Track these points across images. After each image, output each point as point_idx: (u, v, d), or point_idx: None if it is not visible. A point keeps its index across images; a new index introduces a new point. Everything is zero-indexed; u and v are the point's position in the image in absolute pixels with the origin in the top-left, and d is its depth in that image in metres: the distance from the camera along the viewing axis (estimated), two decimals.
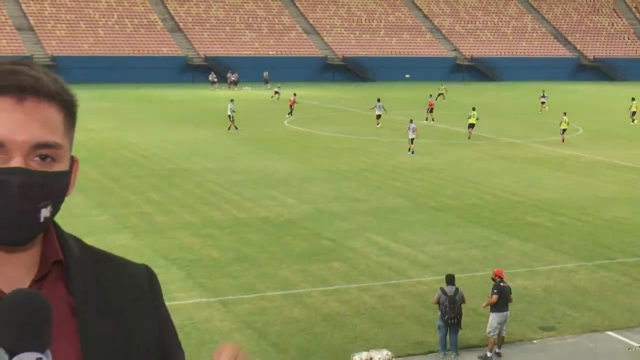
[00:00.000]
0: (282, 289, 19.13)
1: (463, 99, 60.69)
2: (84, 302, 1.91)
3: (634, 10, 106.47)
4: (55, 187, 1.81)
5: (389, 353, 15.65)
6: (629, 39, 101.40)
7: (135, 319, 1.99)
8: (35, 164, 1.77)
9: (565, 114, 44.36)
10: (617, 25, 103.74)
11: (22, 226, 1.78)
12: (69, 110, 1.85)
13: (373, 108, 49.96)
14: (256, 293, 18.83)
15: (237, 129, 45.94)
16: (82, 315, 1.89)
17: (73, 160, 1.89)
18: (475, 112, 45.63)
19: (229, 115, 46.37)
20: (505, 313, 15.78)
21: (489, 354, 15.63)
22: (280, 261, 21.26)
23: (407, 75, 72.36)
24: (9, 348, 1.64)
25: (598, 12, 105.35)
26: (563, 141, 43.14)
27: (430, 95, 54.62)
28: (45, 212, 1.80)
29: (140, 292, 2.04)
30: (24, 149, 1.75)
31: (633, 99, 54.77)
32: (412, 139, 38.46)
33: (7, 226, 1.76)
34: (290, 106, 54.50)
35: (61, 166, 1.82)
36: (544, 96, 60.67)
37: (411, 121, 39.52)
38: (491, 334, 15.69)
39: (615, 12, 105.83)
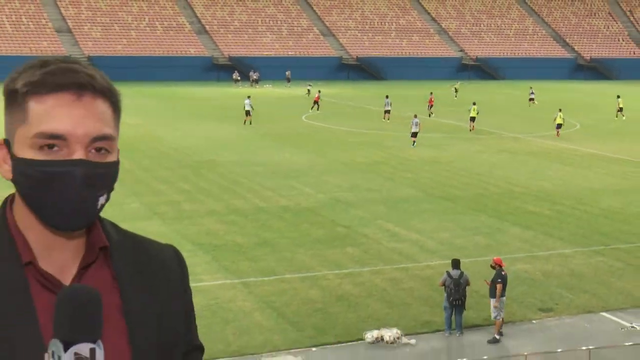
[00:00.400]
0: (300, 272, 19.18)
1: (468, 97, 60.31)
2: (126, 284, 1.92)
3: (628, 14, 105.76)
4: (111, 177, 1.84)
5: (399, 331, 15.69)
6: (623, 41, 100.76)
7: (168, 299, 2.00)
8: (92, 156, 1.77)
9: (560, 110, 44.40)
10: (613, 28, 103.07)
11: (82, 214, 1.80)
12: (116, 105, 1.87)
13: (388, 109, 49.96)
14: (276, 275, 18.89)
15: (250, 123, 45.88)
16: (126, 296, 1.91)
17: (117, 151, 1.90)
18: (475, 107, 46.09)
19: (247, 111, 46.43)
20: (503, 298, 15.77)
21: (497, 337, 15.64)
22: (298, 246, 21.30)
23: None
24: (64, 339, 1.64)
25: (595, 15, 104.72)
26: (558, 135, 43.15)
27: (431, 93, 54.44)
28: (102, 200, 1.83)
29: (171, 274, 2.06)
30: (84, 142, 1.76)
31: (618, 97, 54.74)
32: (416, 133, 38.66)
33: (69, 214, 1.78)
34: (315, 102, 54.93)
35: (113, 157, 1.84)
36: (532, 92, 61.41)
37: (415, 116, 39.83)
38: (498, 317, 15.67)
39: (611, 16, 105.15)
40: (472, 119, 45.78)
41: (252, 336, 15.26)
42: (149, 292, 1.95)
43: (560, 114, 43.98)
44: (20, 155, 1.77)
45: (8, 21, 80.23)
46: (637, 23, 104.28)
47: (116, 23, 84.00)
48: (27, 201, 1.81)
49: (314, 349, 15.12)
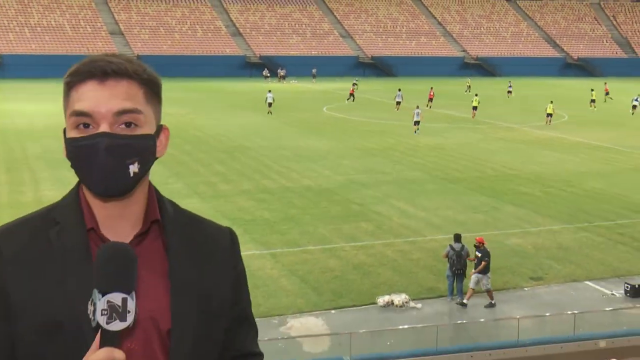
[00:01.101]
0: (320, 244, 19.20)
1: (472, 90, 60.21)
2: (175, 254, 1.94)
3: (611, 18, 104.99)
4: (139, 147, 1.85)
5: (407, 296, 15.70)
6: (607, 42, 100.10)
7: (216, 272, 2.00)
8: (121, 130, 1.83)
9: (552, 102, 44.88)
10: (598, 31, 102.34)
11: (114, 180, 1.83)
12: (148, 86, 1.90)
13: (399, 101, 49.81)
14: (299, 247, 18.93)
15: (270, 114, 45.93)
16: (173, 264, 1.93)
17: (162, 128, 1.95)
18: (477, 97, 47.38)
19: (270, 103, 46.54)
20: (489, 273, 15.65)
21: (466, 302, 15.57)
22: (319, 221, 21.32)
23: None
24: (101, 289, 1.67)
25: (582, 20, 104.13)
26: (548, 123, 43.40)
27: (431, 88, 54.33)
28: (133, 168, 1.84)
29: (221, 251, 2.06)
30: (108, 117, 1.81)
31: (592, 90, 55.12)
32: (418, 121, 38.90)
33: (102, 180, 1.82)
34: (351, 94, 55.49)
35: (145, 130, 1.87)
36: (510, 86, 62.82)
37: (417, 107, 40.19)
38: (489, 287, 15.64)
39: (596, 20, 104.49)
40: (474, 107, 46.66)
41: (279, 299, 15.33)
42: (196, 265, 1.96)
43: (551, 105, 44.46)
44: (68, 135, 1.86)
45: (68, 25, 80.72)
46: (620, 27, 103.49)
47: (162, 26, 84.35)
48: (76, 174, 1.89)
49: (332, 311, 15.15)
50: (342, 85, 69.16)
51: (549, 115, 43.99)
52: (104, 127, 1.81)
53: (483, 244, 15.93)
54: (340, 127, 40.95)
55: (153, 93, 1.91)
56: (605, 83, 64.92)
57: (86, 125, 1.82)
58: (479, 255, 15.65)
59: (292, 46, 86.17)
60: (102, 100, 1.81)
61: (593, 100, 53.43)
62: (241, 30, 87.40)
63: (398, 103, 49.48)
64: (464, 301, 15.58)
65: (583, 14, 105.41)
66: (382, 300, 15.51)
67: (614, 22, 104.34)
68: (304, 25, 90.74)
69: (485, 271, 15.56)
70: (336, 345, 13.33)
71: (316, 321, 14.72)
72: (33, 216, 1.96)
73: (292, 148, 33.50)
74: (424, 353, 11.88)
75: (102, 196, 1.87)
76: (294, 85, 70.36)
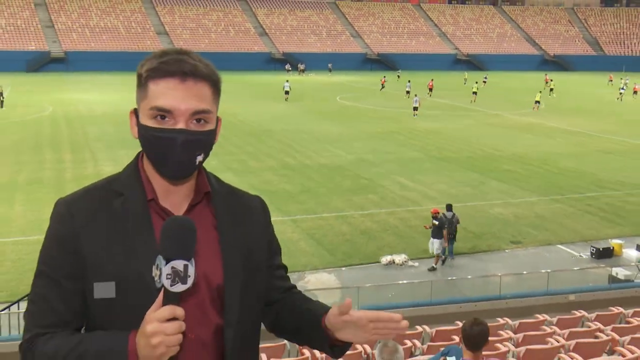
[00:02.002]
0: (334, 212, 19.21)
1: (462, 84, 59.76)
2: (222, 219, 1.95)
3: (583, 21, 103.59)
4: (206, 141, 1.88)
5: (406, 256, 15.73)
6: (579, 42, 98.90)
7: (254, 232, 2.03)
8: (193, 125, 1.83)
9: (540, 92, 46.35)
10: (571, 32, 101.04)
11: (182, 168, 1.85)
12: (216, 86, 1.90)
13: (408, 91, 49.58)
14: (316, 214, 18.96)
15: (287, 100, 46.25)
16: (221, 227, 1.94)
17: (218, 120, 1.95)
18: (477, 84, 49.75)
19: (287, 91, 47.03)
20: (442, 240, 15.38)
21: (435, 266, 15.39)
22: (333, 193, 21.32)
23: (398, 74, 70.97)
24: (165, 256, 1.67)
25: (558, 22, 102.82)
26: (535, 109, 43.63)
27: (432, 79, 54.30)
28: (199, 158, 1.87)
29: (257, 216, 2.08)
30: (185, 115, 1.80)
31: (551, 80, 57.02)
32: (416, 107, 39.55)
33: (172, 168, 1.84)
34: (382, 84, 55.49)
35: (210, 126, 1.88)
36: (485, 77, 63.63)
37: (416, 95, 40.95)
38: (440, 252, 15.42)
39: (570, 23, 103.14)
40: (474, 93, 48.25)
41: (298, 259, 15.37)
42: (239, 227, 1.98)
43: (539, 94, 45.47)
44: (143, 122, 1.84)
45: (122, 26, 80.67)
46: (590, 29, 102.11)
47: (200, 27, 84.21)
48: (147, 155, 1.89)
49: (343, 268, 15.20)
50: (353, 78, 68.86)
51: (537, 102, 44.36)
52: (181, 124, 1.80)
53: (438, 213, 15.65)
54: (351, 114, 40.74)
55: (217, 91, 1.92)
56: (546, 74, 66.11)
57: (163, 117, 1.80)
58: (436, 223, 15.32)
59: (310, 44, 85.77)
60: (181, 99, 1.79)
61: (552, 89, 54.87)
62: (267, 30, 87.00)
63: (407, 92, 49.20)
64: (434, 266, 15.33)
65: (559, 17, 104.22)
66: (385, 259, 15.55)
67: (585, 25, 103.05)
68: (320, 27, 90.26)
69: (440, 236, 15.26)
70: (346, 297, 13.38)
71: (329, 277, 14.78)
72: (95, 186, 1.94)
73: (310, 132, 33.43)
74: (420, 304, 11.91)
75: (170, 180, 1.88)
76: (312, 78, 70.06)
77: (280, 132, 33.05)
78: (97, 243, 1.83)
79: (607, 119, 40.37)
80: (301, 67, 75.34)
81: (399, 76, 68.20)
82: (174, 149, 1.79)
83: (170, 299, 1.67)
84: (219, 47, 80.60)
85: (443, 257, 15.72)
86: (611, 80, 67.32)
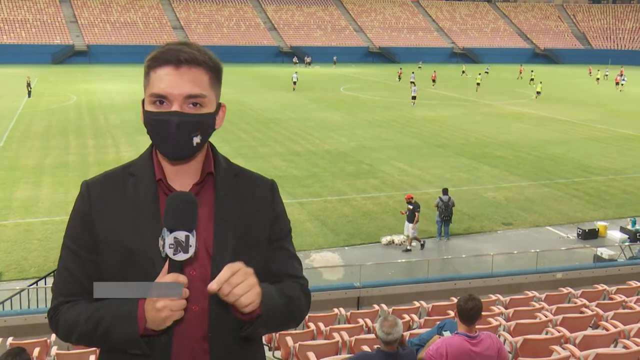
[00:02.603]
0: (337, 195, 19.19)
1: (458, 76, 59.39)
2: (220, 197, 1.94)
3: (572, 17, 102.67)
4: (202, 123, 1.85)
5: (405, 236, 15.68)
6: (567, 36, 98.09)
7: (254, 212, 1.99)
8: (189, 109, 1.82)
9: (541, 82, 47.33)
10: (560, 27, 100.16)
11: (181, 148, 1.84)
12: (213, 72, 1.89)
13: (412, 81, 49.33)
14: (321, 197, 18.93)
15: (294, 90, 46.33)
16: (218, 206, 1.93)
17: (220, 105, 1.94)
18: (480, 76, 50.90)
19: (294, 82, 47.36)
20: (417, 223, 15.17)
21: (409, 247, 15.16)
22: (336, 177, 21.28)
23: (420, 66, 70.72)
24: (168, 227, 1.71)
25: (548, 18, 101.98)
26: (536, 98, 44.41)
27: (434, 71, 54.37)
28: (196, 139, 1.85)
29: (261, 197, 2.03)
30: (179, 99, 1.81)
31: (532, 71, 58.72)
32: (414, 96, 40.06)
33: (171, 148, 1.84)
34: (399, 76, 54.63)
35: (207, 109, 1.86)
36: (487, 69, 63.97)
37: (414, 84, 41.83)
38: (412, 235, 15.18)
39: (560, 18, 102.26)
40: (478, 84, 49.29)
41: (304, 238, 15.37)
42: (237, 206, 1.95)
43: (540, 84, 46.25)
44: (146, 108, 1.87)
45: (140, 21, 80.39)
46: (578, 24, 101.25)
47: (213, 22, 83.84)
48: (151, 138, 1.90)
49: (346, 247, 15.20)
50: (356, 70, 68.53)
51: (538, 92, 45.09)
52: (175, 107, 1.81)
53: (412, 198, 15.43)
54: (353, 104, 40.58)
55: (216, 78, 1.91)
56: (521, 65, 67.36)
57: (161, 102, 1.83)
58: (411, 207, 15.07)
59: (316, 38, 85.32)
60: (175, 84, 1.81)
61: (532, 79, 56.01)
62: (276, 25, 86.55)
63: (412, 82, 48.76)
64: (408, 247, 15.08)
65: (549, 13, 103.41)
66: (385, 239, 15.53)
67: (574, 20, 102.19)
68: (325, 22, 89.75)
69: (414, 220, 15.03)
70: (349, 274, 13.41)
71: (333, 255, 14.79)
72: (115, 170, 2.00)
73: (315, 120, 33.32)
74: (418, 281, 11.91)
75: (170, 160, 1.90)
76: (317, 70, 69.77)
77: (288, 120, 32.95)
78: (108, 220, 1.88)
79: (593, 109, 40.11)
80: (307, 59, 75.04)
81: (419, 67, 68.27)
82: (170, 130, 1.81)
83: (174, 267, 1.72)
84: (231, 41, 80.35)
85: (422, 241, 15.42)
86: (590, 72, 67.65)
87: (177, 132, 1.81)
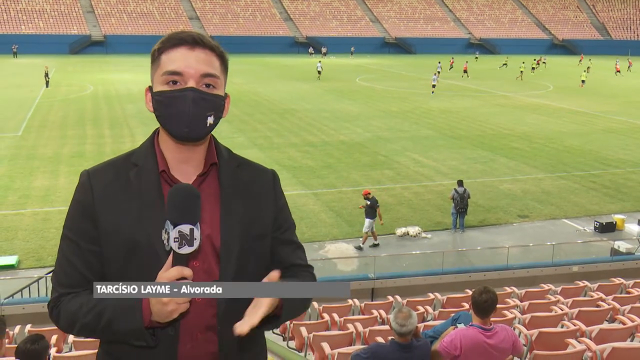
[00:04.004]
0: (352, 186, 19.15)
1: (474, 67, 58.91)
2: (226, 190, 1.92)
3: (591, 7, 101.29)
4: (215, 103, 1.85)
5: (419, 228, 15.66)
6: (586, 27, 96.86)
7: (258, 203, 1.98)
8: (202, 89, 1.82)
9: (585, 71, 48.88)
10: (579, 18, 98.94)
11: (196, 126, 1.82)
12: (222, 59, 1.90)
13: (439, 71, 48.87)
14: (336, 188, 18.92)
15: (319, 79, 47.07)
16: (224, 198, 1.92)
17: (227, 96, 1.93)
18: (523, 64, 51.89)
19: (319, 71, 48.27)
20: (375, 218, 14.59)
21: (362, 245, 14.57)
22: (351, 168, 21.25)
23: (476, 56, 69.32)
24: (172, 221, 1.70)
25: (567, 8, 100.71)
26: (581, 86, 45.51)
27: (466, 61, 54.86)
28: (210, 120, 1.84)
29: (264, 187, 2.03)
30: (195, 77, 1.81)
31: (544, 62, 60.10)
32: (434, 85, 41.06)
33: (186, 125, 1.81)
34: (451, 65, 54.68)
35: (219, 91, 1.87)
36: (444, 67, 62.04)
37: (434, 74, 42.56)
38: (367, 230, 14.56)
39: (579, 8, 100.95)
40: (521, 72, 49.98)
41: (319, 229, 15.39)
42: (242, 197, 1.94)
43: (584, 73, 47.57)
44: (156, 90, 1.86)
45: (157, 11, 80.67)
46: (598, 14, 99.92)
47: (229, 13, 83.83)
48: (160, 120, 1.87)
49: (361, 238, 15.19)
50: (372, 61, 68.24)
51: (583, 81, 46.24)
52: (191, 84, 1.81)
53: (369, 194, 14.88)
54: (369, 94, 40.43)
55: (225, 66, 1.92)
56: (541, 57, 68.06)
57: (174, 82, 1.81)
58: (368, 203, 14.55)
59: (332, 29, 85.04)
60: (192, 62, 1.81)
61: (533, 68, 56.93)
62: (291, 15, 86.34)
63: (438, 72, 48.10)
64: (361, 245, 14.52)
65: (568, 3, 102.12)
66: (399, 231, 15.50)
67: (593, 10, 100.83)
68: (341, 12, 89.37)
69: (373, 216, 14.49)
70: (363, 266, 13.42)
71: (347, 246, 14.80)
72: (116, 159, 1.97)
73: (331, 110, 33.26)
74: (432, 273, 11.89)
75: (182, 139, 1.86)
76: (333, 60, 69.59)
77: (303, 111, 32.91)
78: (111, 211, 1.86)
79: (610, 100, 39.64)
80: (323, 50, 74.87)
81: (476, 57, 67.97)
82: (186, 105, 1.79)
83: (179, 260, 1.71)
84: (247, 32, 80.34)
85: (376, 241, 14.70)
86: (581, 61, 68.68)
87: (193, 108, 1.80)
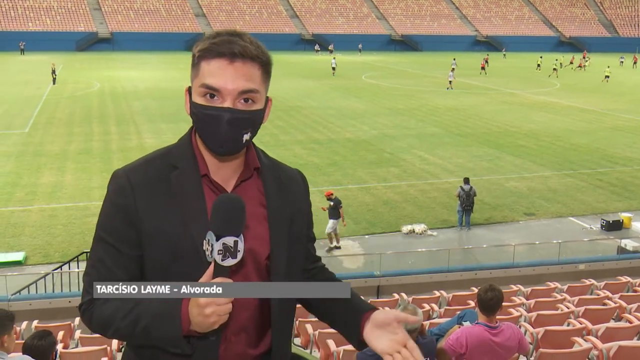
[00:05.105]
0: (358, 184, 19.16)
1: (495, 64, 58.62)
2: (270, 193, 1.92)
3: (598, 4, 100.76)
4: (253, 120, 1.81)
5: (425, 226, 15.64)
6: (594, 24, 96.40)
7: (296, 204, 2.00)
8: (241, 105, 1.78)
9: (608, 67, 49.10)
10: (586, 15, 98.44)
11: (230, 144, 1.79)
12: (265, 67, 1.84)
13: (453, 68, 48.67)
14: (341, 186, 18.90)
15: (333, 75, 47.76)
16: (270, 203, 1.91)
17: (268, 99, 1.90)
18: (557, 61, 53.20)
19: (333, 67, 48.89)
20: (340, 219, 14.37)
21: (331, 245, 14.46)
22: (357, 166, 21.24)
23: (504, 53, 68.68)
24: (216, 232, 1.66)
25: (574, 5, 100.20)
26: (606, 82, 46.37)
27: (484, 58, 54.85)
28: (246, 137, 1.81)
29: (299, 188, 2.05)
30: (233, 94, 1.76)
31: (557, 59, 58.07)
32: (451, 81, 41.75)
33: (221, 144, 1.79)
34: (482, 68, 54.72)
35: (258, 105, 1.82)
36: (539, 65, 60.77)
37: (451, 70, 43.45)
38: (332, 230, 14.42)
39: (586, 6, 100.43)
40: (554, 69, 51.01)
41: (325, 226, 15.34)
42: (284, 201, 1.94)
43: (607, 69, 48.34)
44: (194, 99, 1.80)
45: (163, 8, 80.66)
46: (605, 11, 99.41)
47: (235, 10, 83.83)
48: (197, 131, 1.85)
49: (366, 236, 15.20)
50: (378, 58, 68.12)
51: (607, 77, 47.23)
52: (228, 103, 1.75)
53: (332, 194, 14.65)
54: (375, 92, 40.38)
55: (267, 72, 1.86)
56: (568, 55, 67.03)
57: (212, 96, 1.76)
58: (332, 204, 14.32)
59: (338, 26, 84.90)
60: (229, 79, 1.75)
61: (538, 65, 56.98)
62: (297, 13, 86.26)
63: (453, 69, 47.69)
64: (331, 245, 14.36)
65: (575, 0, 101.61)
66: (405, 228, 15.49)
67: (601, 7, 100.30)
68: (347, 9, 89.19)
69: (337, 217, 14.29)
70: (369, 263, 13.42)
71: (353, 244, 14.80)
72: (153, 158, 1.91)
73: (337, 108, 33.23)
74: (438, 271, 11.88)
75: (216, 154, 1.84)
76: (339, 58, 69.40)
77: (309, 108, 32.90)
78: (155, 214, 1.81)
79: (618, 98, 39.47)
80: (330, 47, 74.81)
81: (504, 55, 68.80)
82: (221, 126, 1.75)
83: (221, 272, 1.68)
84: (253, 28, 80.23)
85: (338, 244, 14.46)
86: (584, 58, 68.00)
87: (228, 128, 1.76)
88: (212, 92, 1.76)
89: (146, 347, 1.84)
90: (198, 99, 1.79)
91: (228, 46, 1.76)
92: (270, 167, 1.98)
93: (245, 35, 1.83)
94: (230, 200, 1.71)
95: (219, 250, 1.65)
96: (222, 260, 1.66)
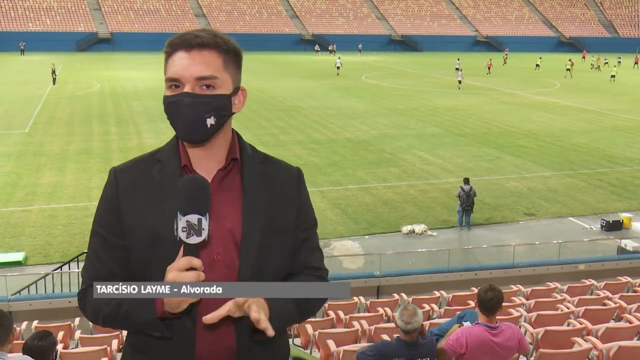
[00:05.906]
0: (358, 184, 19.15)
1: (480, 64, 58.61)
2: (248, 183, 1.96)
3: (598, 4, 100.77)
4: (214, 104, 1.86)
5: (425, 226, 15.63)
6: (594, 24, 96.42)
7: (280, 200, 2.01)
8: (201, 90, 1.85)
9: (615, 66, 49.89)
10: (586, 15, 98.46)
11: (194, 129, 1.86)
12: (228, 54, 1.90)
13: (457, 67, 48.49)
14: (341, 186, 18.91)
15: (338, 74, 47.99)
16: (245, 190, 1.95)
17: (240, 89, 1.97)
18: (569, 62, 51.49)
19: (338, 67, 49.16)
20: None
21: None
22: (357, 166, 21.23)
23: (540, 58, 68.34)
24: (182, 211, 1.75)
25: (574, 6, 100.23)
26: (613, 81, 46.40)
27: (490, 59, 54.80)
28: (210, 121, 1.86)
29: (287, 185, 2.05)
30: (191, 81, 1.84)
31: (540, 58, 59.56)
32: (460, 80, 42.32)
33: (184, 129, 1.87)
34: (504, 60, 54.15)
35: (220, 91, 1.88)
36: (538, 65, 60.29)
37: (460, 70, 43.77)
38: None
39: (586, 6, 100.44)
40: (568, 70, 50.57)
41: (324, 226, 15.36)
42: (264, 193, 1.96)
43: (615, 68, 48.42)
44: (164, 94, 1.92)
45: (163, 9, 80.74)
46: (605, 12, 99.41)
47: (235, 10, 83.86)
48: (169, 122, 1.92)
49: (366, 236, 15.18)
50: (378, 58, 68.12)
51: (613, 76, 47.18)
52: (187, 89, 1.84)
53: None
54: (375, 92, 40.37)
55: (231, 60, 1.92)
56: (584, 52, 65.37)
57: (176, 86, 1.86)
58: None
59: (338, 26, 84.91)
60: (186, 67, 1.84)
61: (537, 65, 56.90)
62: (297, 13, 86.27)
63: (457, 69, 47.47)
64: None
65: (575, 1, 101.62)
66: (405, 228, 15.48)
67: (601, 8, 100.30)
68: (347, 9, 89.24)
69: None
70: (369, 263, 13.40)
71: (353, 244, 14.79)
72: (143, 157, 2.03)
73: (337, 108, 33.22)
74: (438, 271, 11.87)
75: (186, 141, 1.93)
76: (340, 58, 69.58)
77: (309, 108, 32.90)
78: (135, 206, 1.91)
79: (617, 98, 39.45)
80: (330, 47, 74.81)
81: (505, 62, 67.55)
82: (180, 110, 1.84)
83: (189, 250, 1.75)
84: (253, 29, 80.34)
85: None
86: (584, 58, 69.44)
87: (188, 112, 1.84)
88: (175, 83, 1.86)
89: (136, 334, 1.95)
90: (166, 92, 1.90)
91: (184, 39, 1.87)
92: (255, 158, 2.02)
93: (211, 30, 1.92)
94: (194, 180, 1.80)
95: (182, 228, 1.73)
96: (187, 237, 1.73)
